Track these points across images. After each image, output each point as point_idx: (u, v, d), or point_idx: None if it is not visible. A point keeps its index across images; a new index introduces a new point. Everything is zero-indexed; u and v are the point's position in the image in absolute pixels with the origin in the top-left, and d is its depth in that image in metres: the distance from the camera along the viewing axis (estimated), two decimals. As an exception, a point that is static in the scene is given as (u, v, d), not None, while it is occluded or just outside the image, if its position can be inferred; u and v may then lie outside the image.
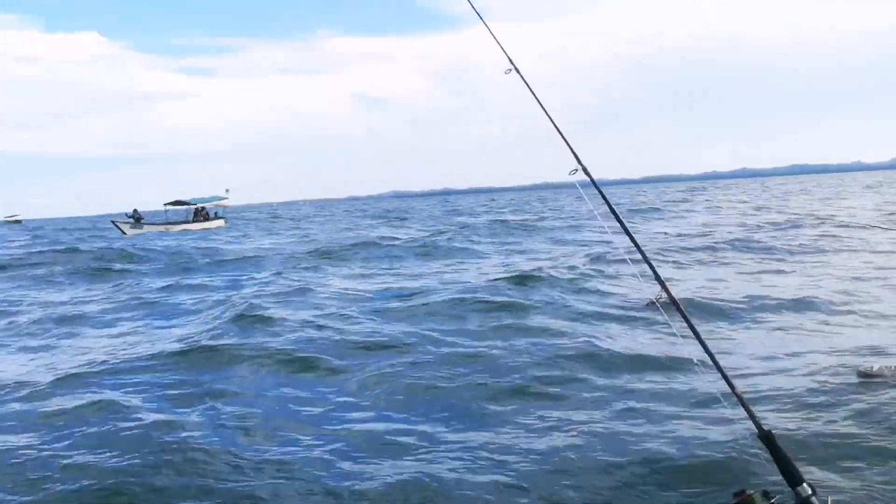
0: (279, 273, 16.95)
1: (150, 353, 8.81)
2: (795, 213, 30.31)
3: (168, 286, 16.05)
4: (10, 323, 12.48)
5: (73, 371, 8.14)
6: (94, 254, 26.12)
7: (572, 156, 3.86)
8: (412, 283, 14.36)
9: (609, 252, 16.39)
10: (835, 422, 5.38)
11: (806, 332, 8.74)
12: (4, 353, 9.94)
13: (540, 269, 14.32)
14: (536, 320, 9.86)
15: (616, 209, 3.78)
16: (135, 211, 49.96)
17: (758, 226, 24.64)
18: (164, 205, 51.38)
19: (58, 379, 7.76)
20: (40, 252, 28.15)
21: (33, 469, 5.25)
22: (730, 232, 22.27)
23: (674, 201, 54.64)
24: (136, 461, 5.23)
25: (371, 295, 12.95)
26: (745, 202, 46.72)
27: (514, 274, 13.74)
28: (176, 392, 7.09)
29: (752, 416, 2.86)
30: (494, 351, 8.13)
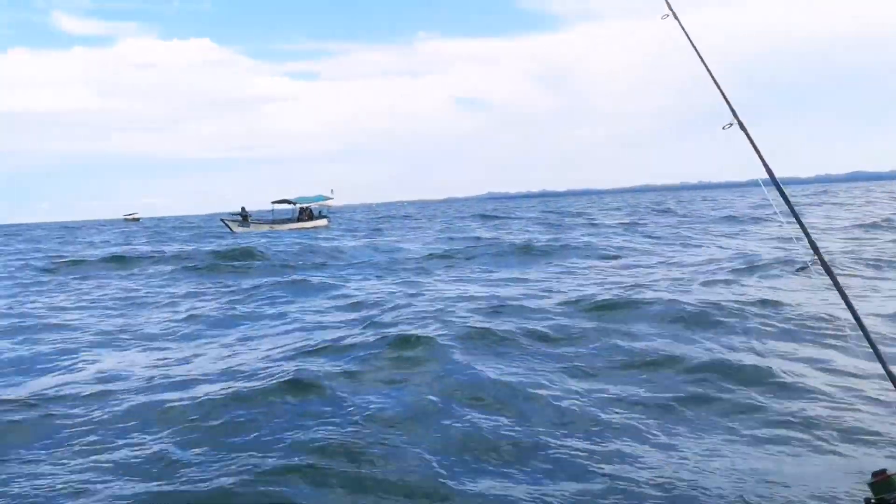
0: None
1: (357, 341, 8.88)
2: None
3: (332, 283, 16.01)
4: (189, 315, 12.49)
5: (283, 355, 8.43)
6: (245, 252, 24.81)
7: (728, 109, 3.66)
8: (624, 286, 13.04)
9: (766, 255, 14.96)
10: None
11: None
12: (204, 344, 9.91)
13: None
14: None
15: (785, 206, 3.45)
16: (242, 209, 50.57)
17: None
18: (272, 203, 51.92)
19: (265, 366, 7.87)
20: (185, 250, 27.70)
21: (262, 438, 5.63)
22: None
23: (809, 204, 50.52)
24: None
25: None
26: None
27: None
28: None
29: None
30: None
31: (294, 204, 51.43)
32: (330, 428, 5.72)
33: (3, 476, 5.12)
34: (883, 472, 2.66)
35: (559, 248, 21.68)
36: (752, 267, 14.43)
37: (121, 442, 5.73)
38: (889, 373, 2.89)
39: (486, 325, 9.36)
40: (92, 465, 5.24)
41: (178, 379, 7.53)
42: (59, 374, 8.12)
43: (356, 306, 12.25)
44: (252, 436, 5.69)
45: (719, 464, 4.91)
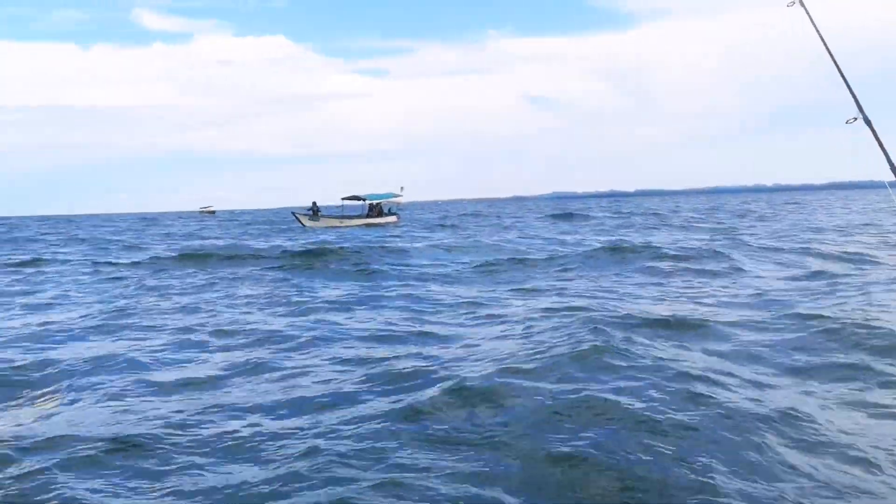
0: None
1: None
2: None
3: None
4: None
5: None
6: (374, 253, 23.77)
7: (854, 103, 3.38)
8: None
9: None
10: None
11: None
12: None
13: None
14: None
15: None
16: (313, 204, 51.51)
17: None
18: (341, 199, 52.66)
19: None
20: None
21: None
22: None
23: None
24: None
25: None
26: None
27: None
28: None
29: None
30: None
31: (363, 200, 52.28)
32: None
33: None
34: None
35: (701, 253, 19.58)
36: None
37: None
38: None
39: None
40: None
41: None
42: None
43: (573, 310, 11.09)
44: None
45: None
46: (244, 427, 5.96)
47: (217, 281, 17.17)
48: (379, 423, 5.83)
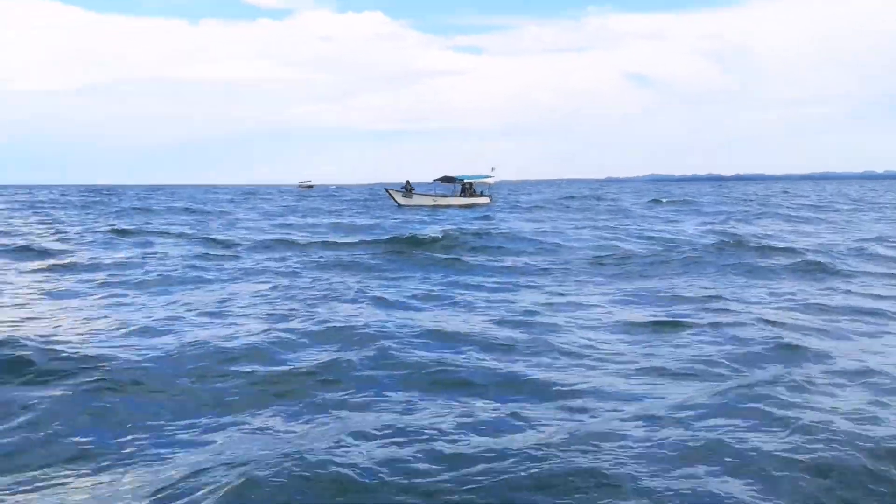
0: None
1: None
2: None
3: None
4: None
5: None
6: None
7: None
8: None
9: None
10: None
11: None
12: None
13: None
14: None
15: None
16: (407, 182, 51.92)
17: None
18: (434, 180, 52.79)
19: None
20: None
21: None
22: None
23: None
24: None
25: None
26: None
27: None
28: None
29: None
30: None
31: (456, 181, 52.29)
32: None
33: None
34: None
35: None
36: None
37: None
38: None
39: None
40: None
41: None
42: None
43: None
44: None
45: None
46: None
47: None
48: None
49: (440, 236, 22.09)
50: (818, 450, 5.15)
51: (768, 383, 6.70)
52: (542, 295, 12.55)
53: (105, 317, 10.42)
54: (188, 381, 7.13)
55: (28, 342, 8.14)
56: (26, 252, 18.89)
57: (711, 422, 5.80)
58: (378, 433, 5.59)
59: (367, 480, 4.71)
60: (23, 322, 9.93)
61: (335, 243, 21.69)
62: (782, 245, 19.04)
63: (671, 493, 4.61)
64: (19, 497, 4.71)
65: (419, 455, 5.13)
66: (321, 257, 18.03)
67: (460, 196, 51.65)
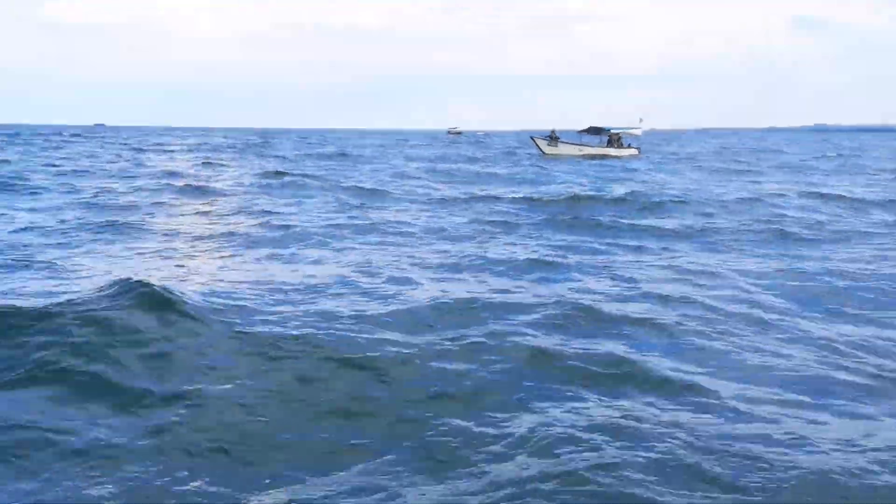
0: None
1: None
2: None
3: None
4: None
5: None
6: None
7: None
8: None
9: None
10: None
11: None
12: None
13: None
14: None
15: None
16: (552, 131, 51.78)
17: None
18: (579, 132, 52.20)
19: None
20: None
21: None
22: None
23: None
24: None
25: None
26: None
27: None
28: None
29: None
30: None
31: (603, 132, 51.45)
32: None
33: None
34: None
35: None
36: None
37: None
38: None
39: None
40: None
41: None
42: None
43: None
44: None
45: None
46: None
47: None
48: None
49: (618, 195, 21.06)
50: None
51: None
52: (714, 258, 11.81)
53: (268, 271, 10.17)
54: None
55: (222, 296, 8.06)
56: (192, 191, 20.80)
57: None
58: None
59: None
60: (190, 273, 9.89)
61: (493, 197, 21.08)
62: None
63: None
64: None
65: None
66: (486, 212, 17.71)
67: (607, 147, 50.88)
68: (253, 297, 8.35)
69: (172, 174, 27.44)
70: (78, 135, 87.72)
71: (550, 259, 11.35)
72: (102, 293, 7.40)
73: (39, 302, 7.27)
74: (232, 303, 7.89)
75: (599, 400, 5.63)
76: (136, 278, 7.77)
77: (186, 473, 4.43)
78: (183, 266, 10.41)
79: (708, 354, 6.80)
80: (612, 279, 9.95)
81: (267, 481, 4.39)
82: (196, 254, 11.59)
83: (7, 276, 9.44)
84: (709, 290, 9.34)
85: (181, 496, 4.19)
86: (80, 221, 14.62)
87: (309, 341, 6.59)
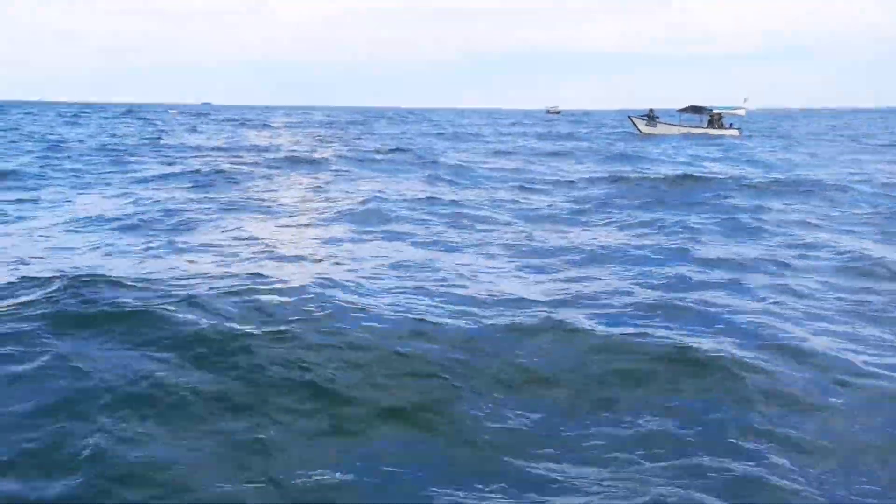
0: None
1: None
2: None
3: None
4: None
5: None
6: None
7: None
8: None
9: None
10: None
11: None
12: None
13: None
14: None
15: None
16: (651, 111, 51.22)
17: None
18: (678, 111, 51.54)
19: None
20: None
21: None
22: None
23: None
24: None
25: None
26: None
27: None
28: None
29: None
30: None
31: (703, 111, 50.59)
32: None
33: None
34: None
35: None
36: None
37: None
38: None
39: None
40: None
41: None
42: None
43: None
44: None
45: None
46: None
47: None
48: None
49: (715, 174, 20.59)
50: None
51: None
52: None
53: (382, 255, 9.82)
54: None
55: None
56: (297, 163, 21.93)
57: None
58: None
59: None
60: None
61: (585, 178, 20.50)
62: None
63: None
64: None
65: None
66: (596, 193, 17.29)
67: (707, 128, 50.02)
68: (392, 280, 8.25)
69: (292, 152, 27.63)
70: (207, 114, 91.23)
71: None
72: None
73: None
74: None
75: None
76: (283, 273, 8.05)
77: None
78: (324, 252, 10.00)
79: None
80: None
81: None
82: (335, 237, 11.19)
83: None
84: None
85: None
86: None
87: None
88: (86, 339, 5.69)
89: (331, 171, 21.48)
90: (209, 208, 13.71)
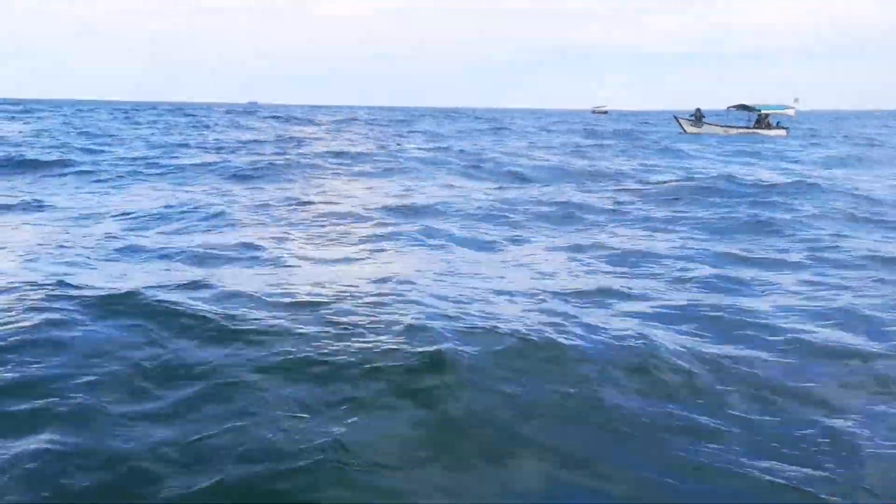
0: None
1: None
2: None
3: None
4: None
5: None
6: None
7: None
8: None
9: None
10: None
11: None
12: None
13: None
14: None
15: None
16: (697, 110, 51.03)
17: None
18: (728, 108, 51.19)
19: None
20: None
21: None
22: None
23: None
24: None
25: None
26: None
27: None
28: None
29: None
30: None
31: (752, 110, 50.13)
32: None
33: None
34: None
35: None
36: None
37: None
38: None
39: None
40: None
41: None
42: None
43: None
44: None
45: None
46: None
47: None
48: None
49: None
50: None
51: None
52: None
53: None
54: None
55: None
56: (342, 157, 22.15)
57: None
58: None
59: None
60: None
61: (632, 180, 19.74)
62: None
63: None
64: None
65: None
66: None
67: (755, 127, 49.56)
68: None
69: (341, 148, 27.58)
70: (253, 112, 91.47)
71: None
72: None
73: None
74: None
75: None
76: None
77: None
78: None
79: None
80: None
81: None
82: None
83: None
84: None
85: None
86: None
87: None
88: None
89: (381, 166, 21.65)
90: (265, 202, 13.84)
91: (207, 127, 44.55)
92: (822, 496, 3.92)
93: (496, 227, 11.79)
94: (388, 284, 7.25)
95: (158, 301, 6.12)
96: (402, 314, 6.07)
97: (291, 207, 13.38)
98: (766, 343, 6.06)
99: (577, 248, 10.01)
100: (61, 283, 6.56)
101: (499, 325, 5.90)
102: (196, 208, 12.79)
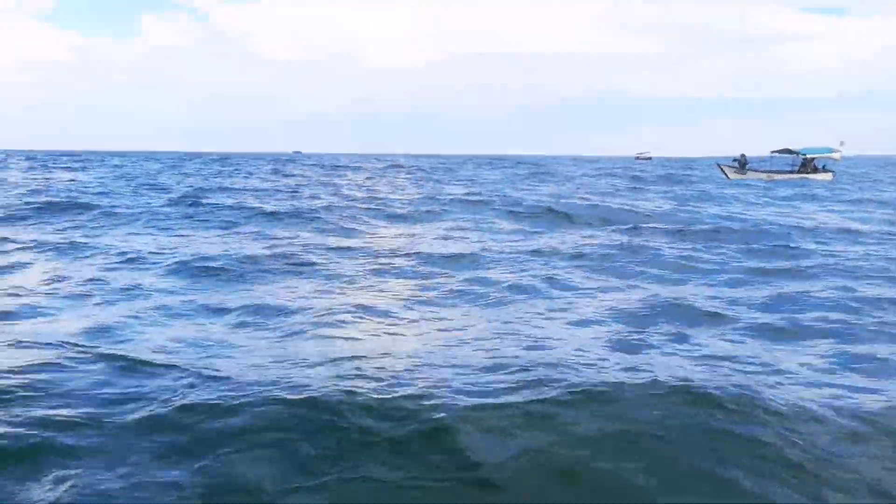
0: None
1: None
2: None
3: None
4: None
5: None
6: None
7: None
8: None
9: None
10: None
11: None
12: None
13: None
14: None
15: None
16: (742, 156, 50.15)
17: None
18: (771, 152, 50.40)
19: None
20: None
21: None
22: None
23: None
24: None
25: None
26: None
27: None
28: None
29: None
30: None
31: (796, 154, 49.25)
32: None
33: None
34: None
35: None
36: None
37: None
38: None
39: None
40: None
41: None
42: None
43: None
44: None
45: None
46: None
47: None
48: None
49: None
50: None
51: None
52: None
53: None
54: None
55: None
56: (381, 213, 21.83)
57: None
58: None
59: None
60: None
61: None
62: None
63: None
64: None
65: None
66: None
67: (800, 171, 48.54)
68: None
69: (382, 196, 27.69)
70: (295, 160, 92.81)
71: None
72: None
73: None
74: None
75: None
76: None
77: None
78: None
79: None
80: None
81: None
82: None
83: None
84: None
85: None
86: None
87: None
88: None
89: (422, 209, 21.75)
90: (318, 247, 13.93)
91: (250, 174, 45.23)
92: None
93: (540, 269, 11.77)
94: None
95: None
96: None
97: (332, 252, 13.47)
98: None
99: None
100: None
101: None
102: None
